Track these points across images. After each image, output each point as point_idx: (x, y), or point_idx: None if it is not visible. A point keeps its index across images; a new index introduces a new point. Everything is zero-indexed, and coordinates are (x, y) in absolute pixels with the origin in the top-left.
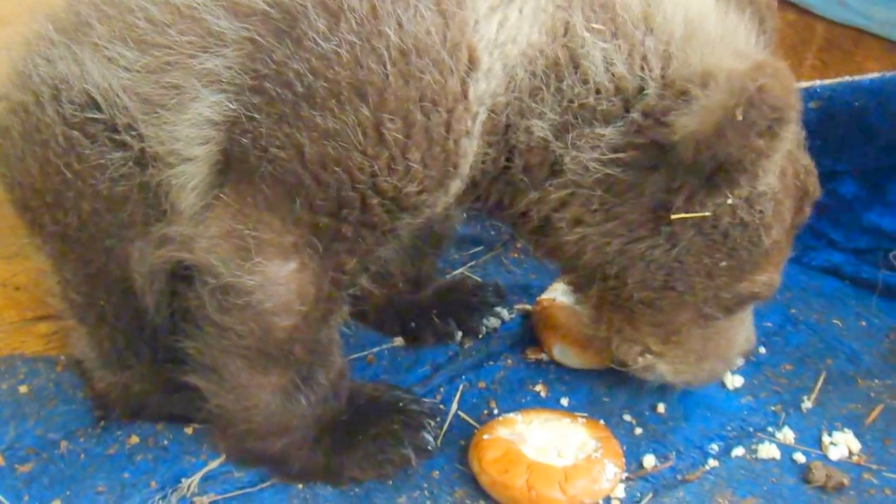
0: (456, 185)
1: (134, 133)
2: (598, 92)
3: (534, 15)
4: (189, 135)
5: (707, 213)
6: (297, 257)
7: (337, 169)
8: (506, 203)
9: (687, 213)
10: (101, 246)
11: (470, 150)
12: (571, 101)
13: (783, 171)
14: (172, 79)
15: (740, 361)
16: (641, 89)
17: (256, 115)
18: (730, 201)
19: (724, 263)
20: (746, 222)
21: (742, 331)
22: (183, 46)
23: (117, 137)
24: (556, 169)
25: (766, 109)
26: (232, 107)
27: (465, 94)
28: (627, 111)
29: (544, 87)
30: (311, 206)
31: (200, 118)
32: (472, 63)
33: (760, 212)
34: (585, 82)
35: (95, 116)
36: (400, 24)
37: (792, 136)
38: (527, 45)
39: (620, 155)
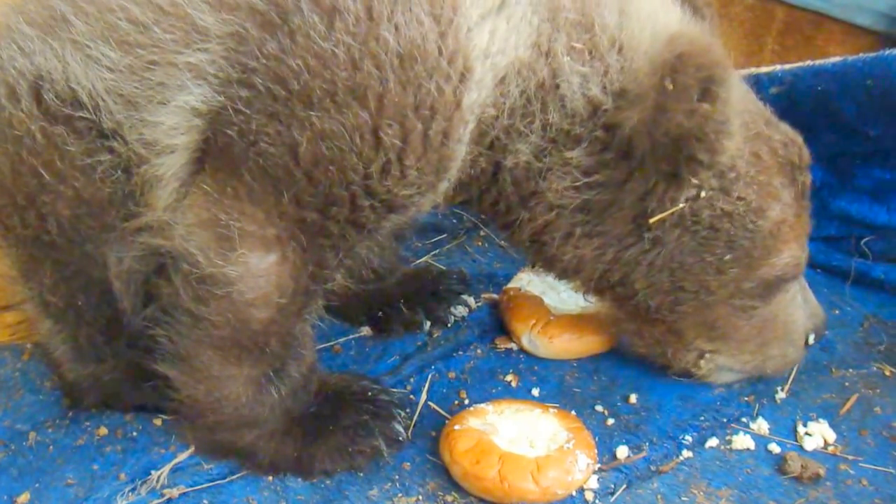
0: (444, 186)
1: (120, 138)
2: (573, 117)
3: (520, 27)
4: (171, 124)
5: (680, 206)
6: (278, 250)
7: (331, 168)
8: (502, 210)
9: (662, 213)
10: (80, 250)
11: (460, 155)
12: (552, 127)
13: (756, 154)
14: (156, 77)
15: (812, 340)
16: (603, 105)
17: (245, 109)
18: (703, 194)
19: (728, 256)
20: (729, 211)
21: (796, 310)
22: (167, 44)
23: (106, 142)
24: (539, 191)
25: (692, 70)
26: (218, 98)
27: (459, 104)
28: (593, 131)
29: (535, 112)
30: (300, 201)
31: (183, 108)
32: (467, 71)
33: (741, 198)
34: (564, 107)
35: (83, 115)
36: (398, 29)
37: (740, 102)
38: (515, 58)
39: (594, 177)
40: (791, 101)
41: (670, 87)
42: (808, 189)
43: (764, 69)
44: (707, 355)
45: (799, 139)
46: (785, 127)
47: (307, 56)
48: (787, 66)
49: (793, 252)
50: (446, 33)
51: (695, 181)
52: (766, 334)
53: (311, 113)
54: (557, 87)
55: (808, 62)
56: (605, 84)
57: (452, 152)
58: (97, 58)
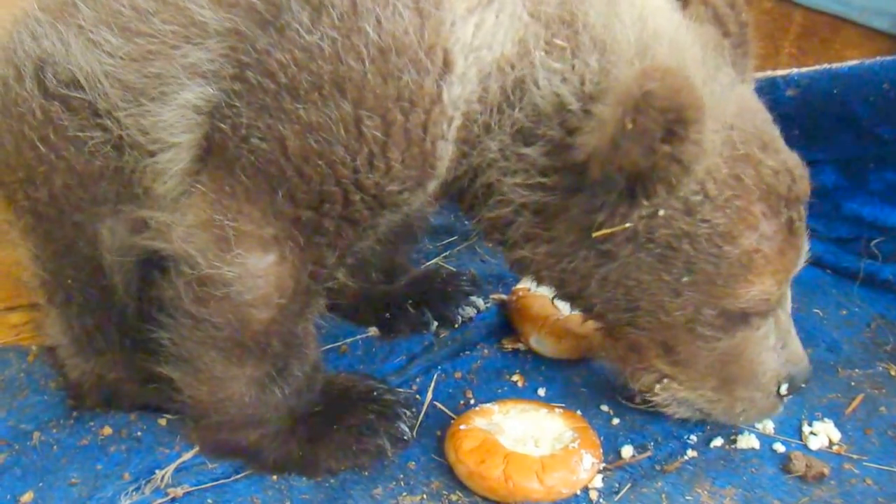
0: (433, 185)
1: (114, 119)
2: (539, 115)
3: (509, 22)
4: (173, 122)
5: (627, 226)
6: (276, 249)
7: (320, 163)
8: (476, 205)
9: (609, 228)
10: (70, 221)
11: (446, 154)
12: (517, 123)
13: (737, 176)
14: (155, 68)
15: (784, 390)
16: (568, 105)
17: (236, 102)
18: (661, 212)
19: (685, 279)
20: (689, 233)
21: (764, 351)
22: (166, 36)
23: (98, 121)
24: (499, 186)
25: (655, 114)
26: (214, 92)
27: (439, 97)
28: (552, 130)
29: (507, 108)
30: (293, 198)
31: (185, 106)
32: (447, 65)
33: (705, 220)
34: (535, 104)
35: (78, 96)
36: (379, 22)
37: (712, 136)
38: (500, 55)
39: (547, 179)
40: (807, 103)
41: (630, 126)
42: (799, 225)
43: (780, 72)
44: (665, 380)
45: (798, 171)
46: (788, 156)
47: (294, 49)
48: (804, 70)
49: (765, 287)
50: (426, 26)
51: (648, 203)
52: (730, 371)
53: (298, 105)
54: (534, 83)
55: (825, 65)
56: (577, 84)
57: (436, 148)
58: (98, 42)
